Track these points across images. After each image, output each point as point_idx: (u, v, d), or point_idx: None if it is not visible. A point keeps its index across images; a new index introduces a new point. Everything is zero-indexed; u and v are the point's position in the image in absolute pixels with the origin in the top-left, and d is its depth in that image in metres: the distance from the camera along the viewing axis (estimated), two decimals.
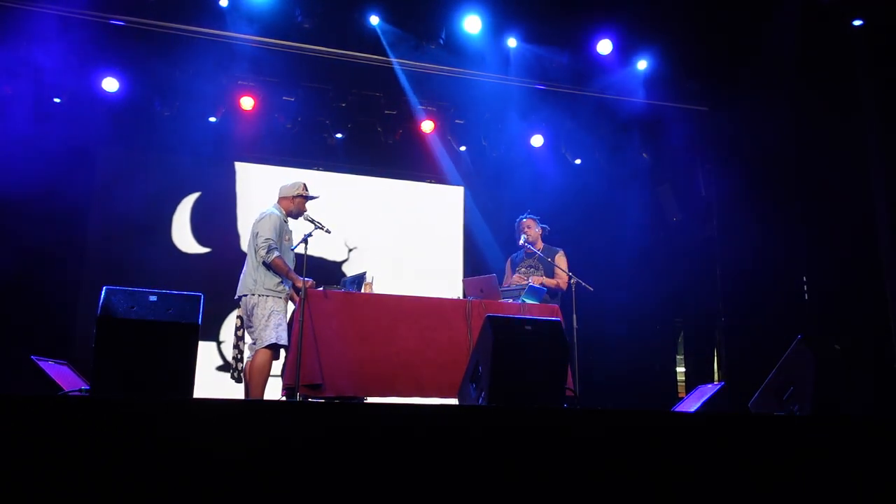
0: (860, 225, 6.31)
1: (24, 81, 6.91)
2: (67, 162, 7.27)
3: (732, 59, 7.21)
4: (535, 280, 6.11)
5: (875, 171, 6.25)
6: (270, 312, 5.13)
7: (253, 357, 5.13)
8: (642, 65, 7.63)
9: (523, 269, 6.29)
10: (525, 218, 6.39)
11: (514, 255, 6.47)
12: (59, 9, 6.40)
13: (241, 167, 8.38)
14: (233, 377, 5.35)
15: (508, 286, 6.20)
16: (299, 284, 5.19)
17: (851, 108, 6.44)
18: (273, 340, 5.08)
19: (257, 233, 5.26)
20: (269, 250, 5.17)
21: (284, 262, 5.23)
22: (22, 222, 6.83)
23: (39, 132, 7.01)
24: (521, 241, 6.22)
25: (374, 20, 7.02)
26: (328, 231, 5.48)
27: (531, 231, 6.32)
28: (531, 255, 6.28)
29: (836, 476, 3.03)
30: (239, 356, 5.37)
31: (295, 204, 5.52)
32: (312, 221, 5.45)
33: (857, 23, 6.40)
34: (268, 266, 5.22)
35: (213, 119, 7.79)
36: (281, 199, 5.54)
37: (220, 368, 7.79)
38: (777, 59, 6.83)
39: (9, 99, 6.90)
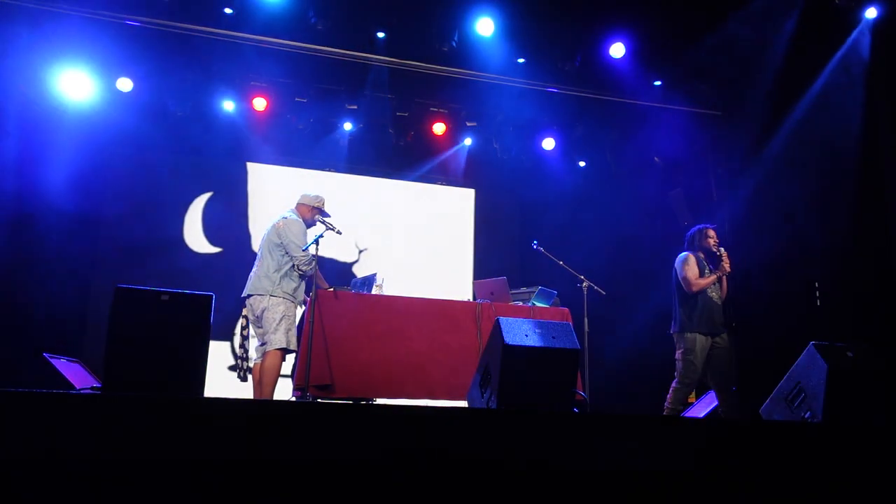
0: (873, 231, 6.26)
1: (39, 81, 6.97)
2: (80, 161, 7.33)
3: (746, 63, 7.17)
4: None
5: (889, 175, 6.20)
6: (282, 317, 5.15)
7: (263, 358, 5.15)
8: (658, 82, 7.65)
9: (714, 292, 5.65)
10: (712, 228, 5.88)
11: (691, 252, 5.76)
12: (75, 9, 6.45)
13: (252, 168, 8.42)
14: (239, 376, 5.38)
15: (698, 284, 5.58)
16: (326, 287, 5.40)
17: (865, 110, 6.39)
18: (283, 345, 5.10)
19: (290, 241, 5.26)
20: (309, 262, 5.27)
21: (319, 273, 5.43)
22: (35, 221, 6.89)
23: (53, 132, 7.07)
24: (717, 252, 5.69)
25: (380, 35, 7.06)
26: (339, 232, 5.54)
27: (716, 242, 5.80)
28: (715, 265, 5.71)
29: (846, 484, 3.01)
30: (244, 355, 5.40)
31: (311, 214, 5.56)
32: (324, 223, 5.49)
33: (870, 15, 6.32)
34: (301, 274, 5.29)
35: (230, 106, 7.79)
36: (300, 205, 5.57)
37: (231, 368, 7.82)
38: (789, 63, 6.80)
39: (23, 99, 6.95)
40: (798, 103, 6.88)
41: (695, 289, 5.50)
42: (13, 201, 6.78)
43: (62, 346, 5.83)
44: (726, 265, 5.62)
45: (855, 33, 6.46)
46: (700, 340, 5.38)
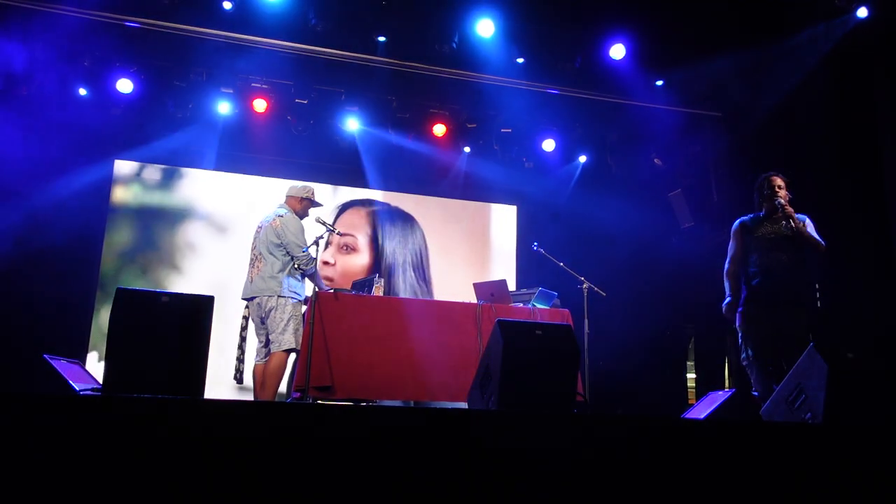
0: (874, 231, 6.26)
1: (40, 83, 6.97)
2: (82, 162, 7.35)
3: (746, 65, 7.18)
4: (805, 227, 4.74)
5: (890, 176, 6.20)
6: (290, 317, 5.14)
7: (269, 359, 5.13)
8: (659, 81, 7.65)
9: (763, 238, 4.81)
10: (776, 175, 4.94)
11: (745, 218, 5.00)
12: (75, 10, 6.45)
13: (253, 175, 8.41)
14: (235, 378, 5.37)
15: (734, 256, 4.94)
16: (324, 288, 5.44)
17: (866, 111, 6.39)
18: (292, 345, 5.11)
19: (290, 241, 5.25)
20: (310, 261, 5.28)
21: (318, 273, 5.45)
22: (37, 223, 6.90)
23: (54, 134, 7.08)
24: (776, 200, 4.79)
25: (380, 39, 7.08)
26: (339, 233, 5.57)
27: (782, 192, 4.86)
28: (782, 216, 4.77)
29: (847, 486, 3.01)
30: (241, 356, 5.39)
31: (302, 206, 5.55)
32: (324, 224, 5.48)
33: (862, 14, 6.33)
34: (304, 273, 5.29)
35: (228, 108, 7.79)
36: (290, 199, 5.56)
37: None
38: (792, 65, 6.80)
39: (25, 100, 6.96)
40: (795, 101, 6.91)
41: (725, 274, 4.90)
42: (17, 201, 6.81)
43: (65, 348, 5.83)
44: (791, 221, 4.66)
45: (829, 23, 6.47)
46: (753, 318, 4.67)
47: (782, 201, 4.76)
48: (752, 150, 7.54)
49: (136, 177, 7.99)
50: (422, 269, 8.52)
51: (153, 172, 8.04)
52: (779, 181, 4.88)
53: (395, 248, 8.50)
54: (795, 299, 4.67)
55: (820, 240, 4.74)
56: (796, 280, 4.71)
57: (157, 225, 7.91)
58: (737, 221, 5.00)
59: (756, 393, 4.68)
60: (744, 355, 4.72)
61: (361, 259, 8.36)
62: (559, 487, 2.71)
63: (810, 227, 4.79)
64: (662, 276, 8.37)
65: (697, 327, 8.63)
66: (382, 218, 8.59)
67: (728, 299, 4.87)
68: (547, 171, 8.87)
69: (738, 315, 4.77)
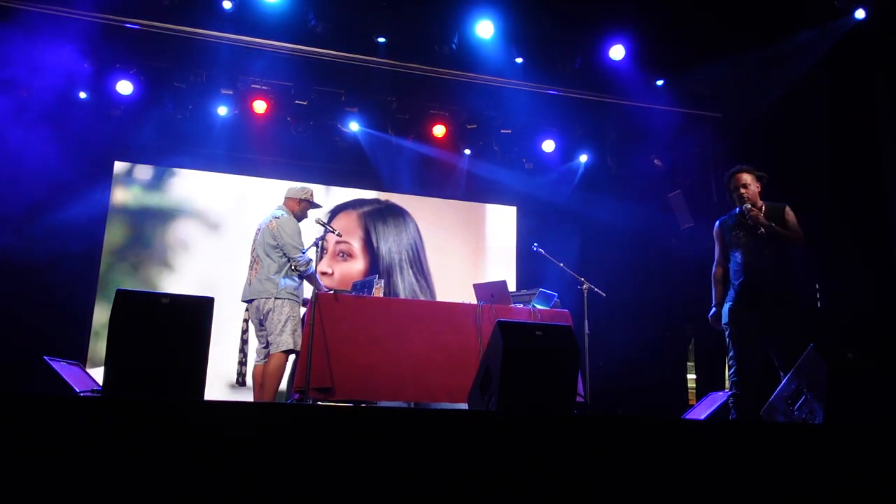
0: (875, 231, 6.26)
1: (41, 84, 6.97)
2: (82, 164, 7.35)
3: (745, 65, 7.18)
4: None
5: (890, 176, 6.20)
6: (287, 318, 5.14)
7: (268, 361, 5.13)
8: (660, 81, 7.65)
9: (742, 235, 4.67)
10: (740, 171, 4.74)
11: (724, 217, 4.86)
12: (75, 12, 6.45)
13: (253, 177, 8.41)
14: (238, 381, 5.37)
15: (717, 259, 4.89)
16: (323, 290, 5.39)
17: (865, 111, 6.39)
18: (290, 346, 5.10)
19: (286, 243, 5.23)
20: (307, 263, 5.26)
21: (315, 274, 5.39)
22: (38, 224, 6.91)
23: (54, 135, 7.08)
24: (741, 206, 4.63)
25: (380, 40, 7.08)
26: (339, 234, 5.57)
27: (749, 190, 4.66)
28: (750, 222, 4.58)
29: (847, 486, 3.01)
30: (243, 360, 5.38)
31: (300, 207, 5.54)
32: (324, 225, 5.48)
33: (860, 15, 6.33)
34: (301, 275, 5.27)
35: (223, 111, 7.78)
36: (288, 200, 5.56)
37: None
38: (792, 65, 6.81)
39: (24, 102, 6.96)
40: (794, 101, 6.90)
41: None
42: (18, 203, 6.82)
43: (66, 349, 5.84)
44: (760, 227, 4.49)
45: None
46: (736, 311, 4.55)
47: (748, 206, 4.58)
48: (751, 151, 7.53)
49: (136, 178, 7.99)
50: (419, 264, 8.50)
51: (153, 173, 8.04)
52: (744, 178, 4.67)
53: (391, 247, 8.48)
54: (781, 296, 4.53)
55: (797, 231, 4.60)
56: (780, 276, 4.56)
57: (157, 226, 7.91)
58: (716, 222, 4.87)
59: (732, 400, 4.58)
60: (730, 353, 4.66)
61: (358, 265, 8.34)
62: (559, 488, 2.71)
63: (789, 216, 4.62)
64: (662, 276, 8.36)
65: (697, 327, 8.62)
66: (374, 218, 8.55)
67: (713, 310, 4.85)
68: (547, 172, 8.86)
69: (724, 314, 4.68)
